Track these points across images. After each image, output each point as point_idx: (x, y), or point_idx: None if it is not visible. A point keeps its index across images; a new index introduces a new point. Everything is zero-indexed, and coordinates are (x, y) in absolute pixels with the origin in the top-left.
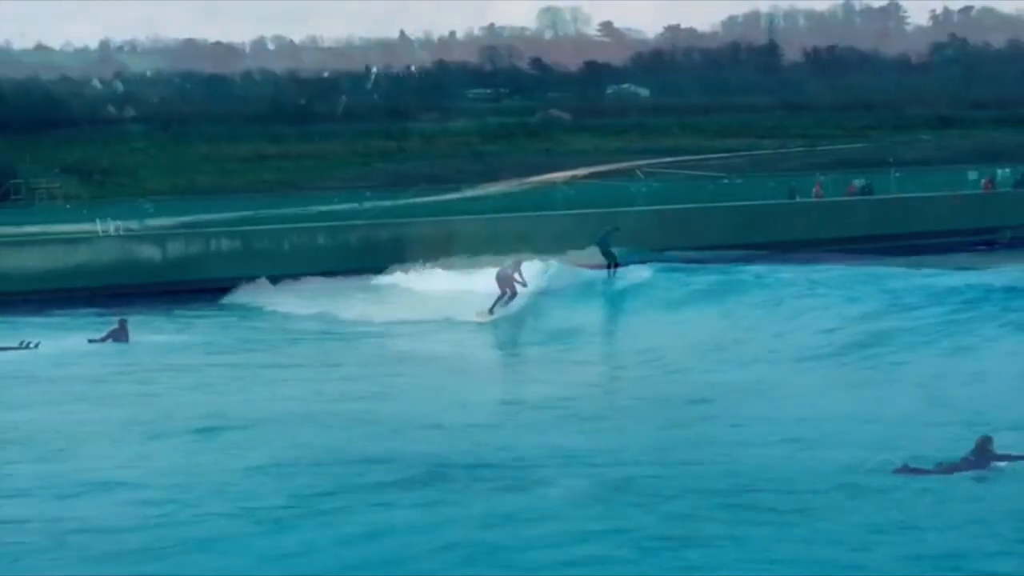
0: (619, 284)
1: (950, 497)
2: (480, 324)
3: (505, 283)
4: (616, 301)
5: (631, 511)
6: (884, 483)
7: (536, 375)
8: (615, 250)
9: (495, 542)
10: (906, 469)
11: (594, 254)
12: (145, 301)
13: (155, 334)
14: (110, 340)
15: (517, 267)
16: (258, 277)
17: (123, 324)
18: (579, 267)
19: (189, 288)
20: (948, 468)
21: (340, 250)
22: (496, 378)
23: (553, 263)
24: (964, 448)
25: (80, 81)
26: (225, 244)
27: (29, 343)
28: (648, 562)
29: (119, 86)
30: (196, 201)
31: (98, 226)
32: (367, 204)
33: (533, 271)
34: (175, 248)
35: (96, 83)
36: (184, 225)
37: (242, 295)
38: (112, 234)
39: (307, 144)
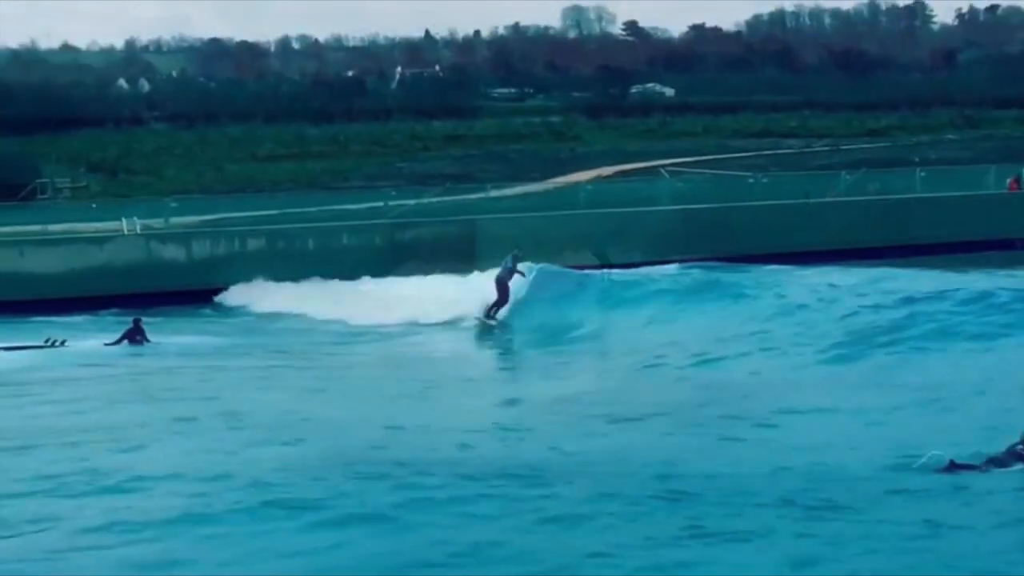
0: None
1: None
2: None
3: (502, 288)
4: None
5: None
6: (937, 481)
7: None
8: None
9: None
10: (954, 466)
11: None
12: (169, 301)
13: (176, 335)
14: (125, 342)
15: (515, 264)
16: (282, 277)
17: (138, 324)
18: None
19: (213, 288)
20: (996, 462)
21: (364, 251)
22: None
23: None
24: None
25: (105, 80)
26: (251, 244)
27: (55, 341)
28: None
29: (144, 85)
30: (220, 199)
31: (123, 225)
32: (391, 203)
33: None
34: (200, 248)
35: (122, 82)
36: (208, 223)
37: (260, 295)
38: (137, 233)
39: (331, 143)
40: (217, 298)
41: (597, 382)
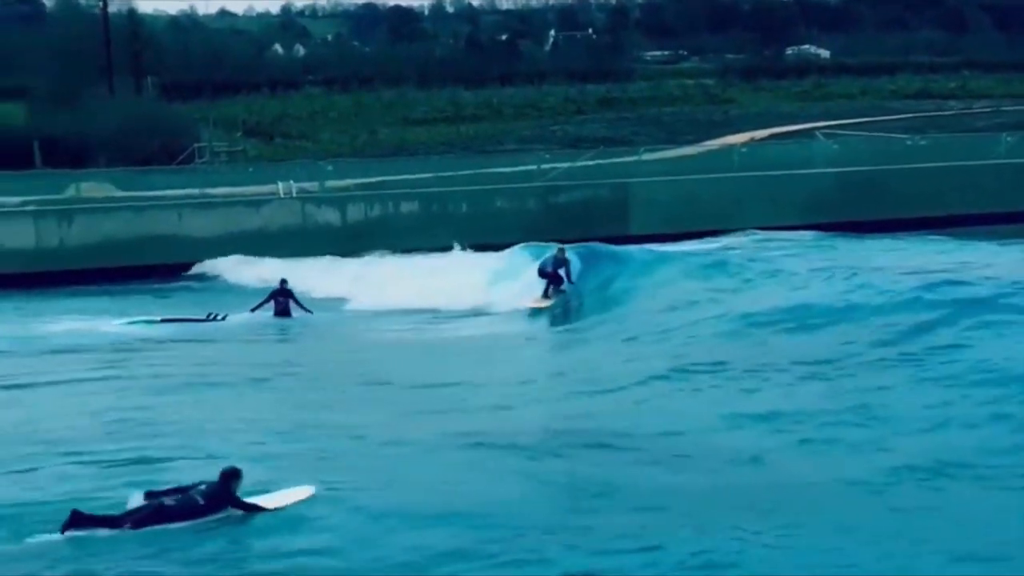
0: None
1: None
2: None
3: (549, 276)
4: None
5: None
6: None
7: None
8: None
9: None
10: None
11: None
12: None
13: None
14: (271, 303)
15: (556, 268)
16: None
17: (284, 286)
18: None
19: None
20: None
21: (517, 214)
22: None
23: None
24: None
25: (261, 45)
26: (405, 207)
27: (216, 315)
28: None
29: (300, 50)
30: (374, 163)
31: (279, 188)
32: (544, 167)
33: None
34: (354, 211)
35: (277, 47)
36: (362, 187)
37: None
38: (293, 196)
39: (484, 107)
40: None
41: None
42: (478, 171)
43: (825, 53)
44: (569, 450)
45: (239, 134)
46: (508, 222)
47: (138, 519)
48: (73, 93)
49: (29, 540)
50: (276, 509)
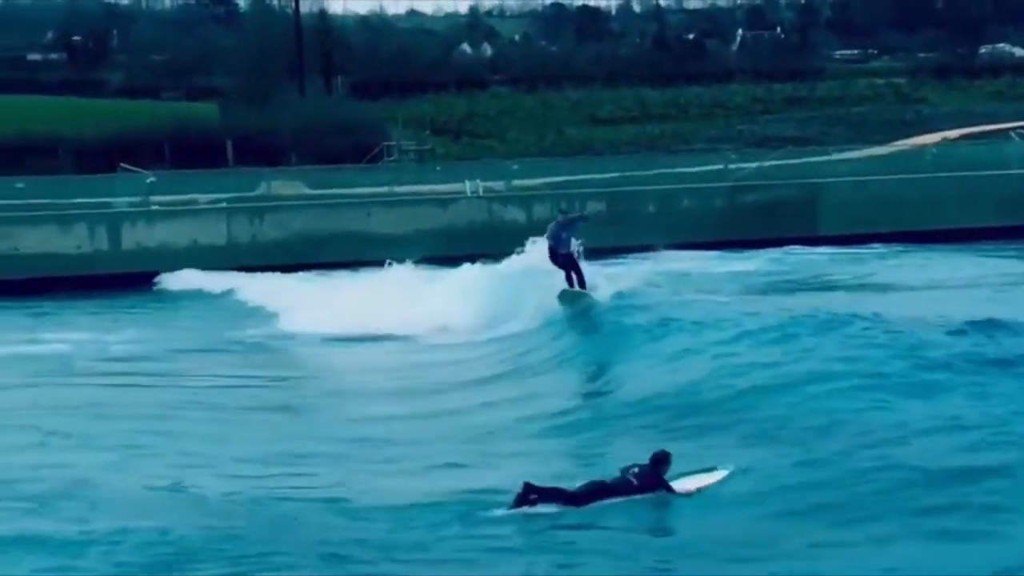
0: None
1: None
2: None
3: (563, 260)
4: None
5: None
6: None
7: None
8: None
9: None
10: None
11: None
12: None
13: None
14: None
15: (561, 230)
16: (621, 240)
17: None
18: None
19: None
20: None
21: (703, 214)
22: None
23: None
24: None
25: (449, 45)
26: (591, 206)
27: None
28: None
29: (487, 49)
30: (560, 162)
31: (466, 187)
32: (731, 166)
33: None
34: (540, 210)
35: (465, 47)
36: (549, 186)
37: None
38: (480, 195)
39: (671, 106)
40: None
41: None
42: (664, 171)
43: (1020, 52)
44: None
45: (427, 133)
46: (694, 222)
47: (582, 495)
48: (265, 93)
49: (485, 515)
50: (696, 491)
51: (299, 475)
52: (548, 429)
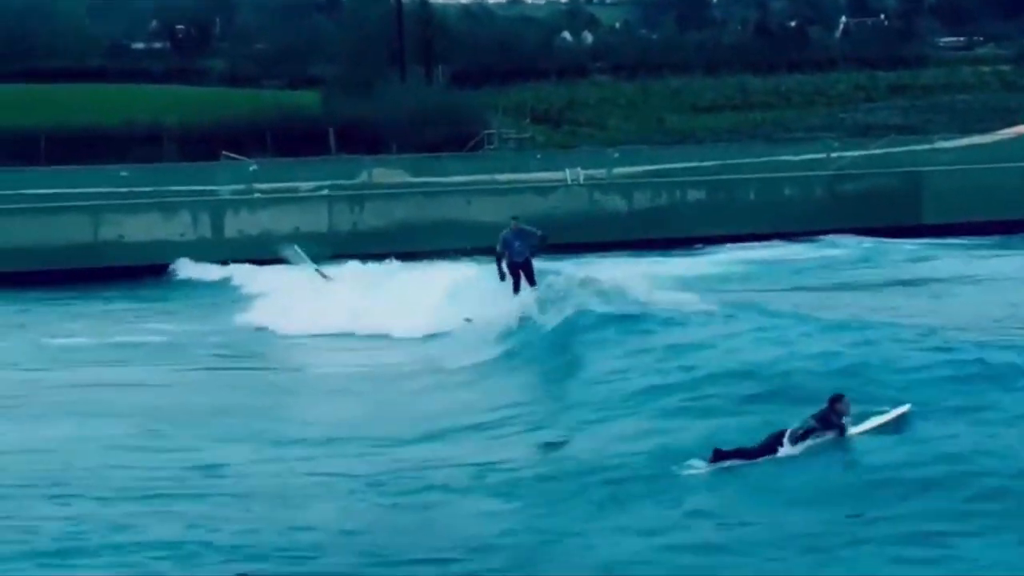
0: None
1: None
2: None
3: (518, 268)
4: None
5: None
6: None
7: None
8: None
9: None
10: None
11: None
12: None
13: None
14: None
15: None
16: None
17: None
18: None
19: (656, 242)
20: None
21: (804, 202)
22: None
23: None
24: None
25: (550, 33)
26: (691, 195)
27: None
28: None
29: (587, 37)
30: (661, 150)
31: (567, 175)
32: (833, 154)
33: None
34: (641, 198)
35: (565, 34)
36: (649, 174)
37: None
38: (580, 183)
39: (773, 94)
40: None
41: None
42: (765, 159)
43: None
44: None
45: (527, 121)
46: (794, 210)
47: (766, 447)
48: (367, 81)
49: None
50: (873, 429)
51: None
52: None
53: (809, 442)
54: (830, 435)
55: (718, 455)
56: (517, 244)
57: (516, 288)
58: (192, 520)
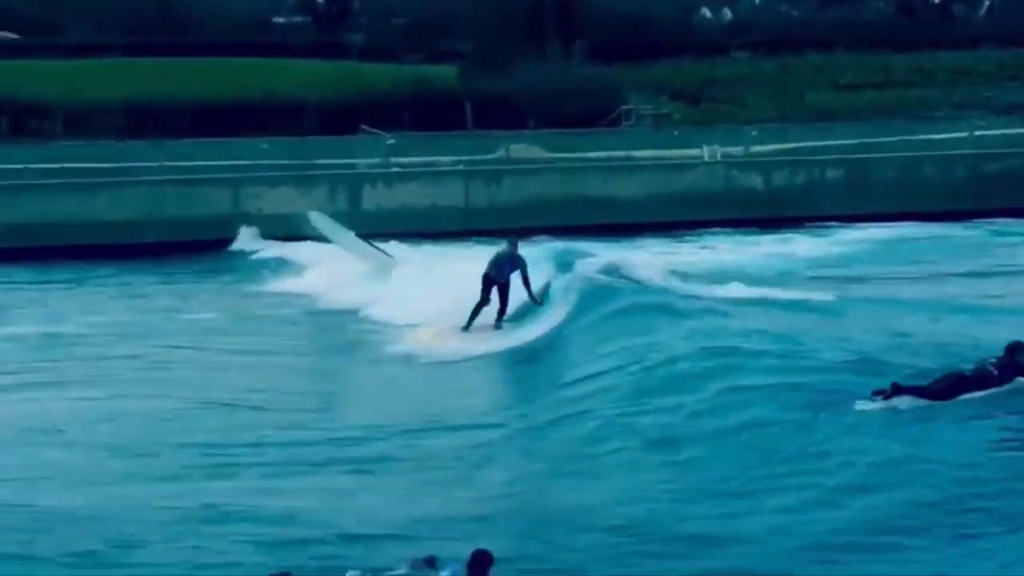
0: None
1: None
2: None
3: (499, 289)
4: None
5: None
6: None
7: None
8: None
9: None
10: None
11: None
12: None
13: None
14: None
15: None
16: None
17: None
18: None
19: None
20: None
21: (945, 183)
22: None
23: None
24: None
25: (689, 9)
26: (830, 174)
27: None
28: None
29: (727, 14)
30: (799, 128)
31: (704, 152)
32: (976, 133)
33: None
34: (779, 177)
35: (705, 11)
36: (787, 152)
37: None
38: (718, 160)
39: (916, 72)
40: None
41: None
42: (906, 138)
43: None
44: None
45: (664, 98)
46: (934, 190)
47: (941, 389)
48: (505, 56)
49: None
50: None
51: None
52: None
53: (992, 389)
54: (1008, 384)
55: (896, 389)
56: (507, 269)
57: (486, 302)
58: None
